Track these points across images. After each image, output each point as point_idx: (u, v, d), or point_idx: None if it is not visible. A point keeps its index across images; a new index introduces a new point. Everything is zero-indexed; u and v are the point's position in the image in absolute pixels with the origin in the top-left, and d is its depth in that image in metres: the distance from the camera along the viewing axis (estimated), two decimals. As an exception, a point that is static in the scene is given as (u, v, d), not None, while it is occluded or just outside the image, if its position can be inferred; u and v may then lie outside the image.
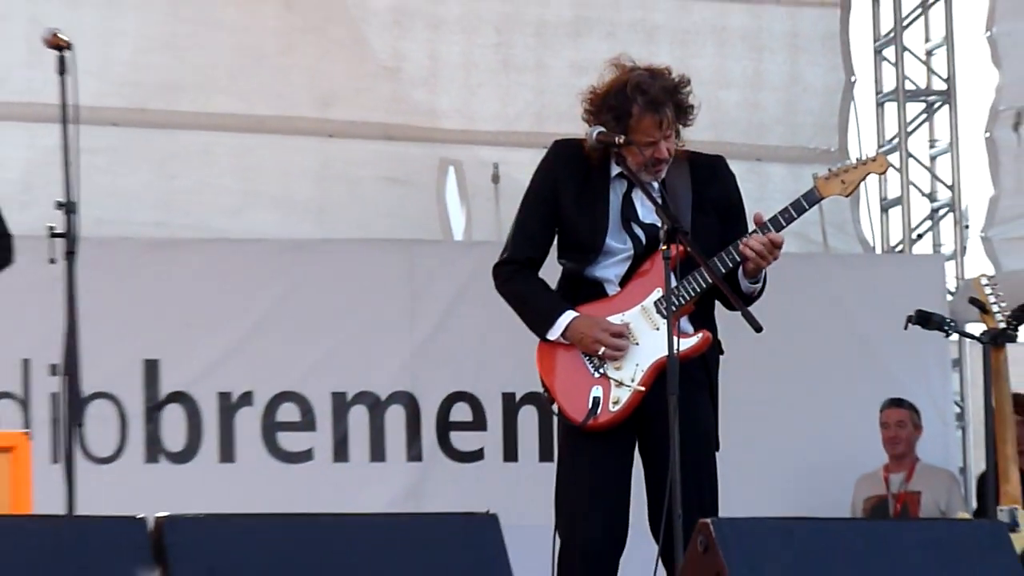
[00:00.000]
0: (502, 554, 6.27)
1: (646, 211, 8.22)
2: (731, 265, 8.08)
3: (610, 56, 8.15)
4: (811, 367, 13.68)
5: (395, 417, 14.20)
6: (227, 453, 13.96)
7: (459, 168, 15.31)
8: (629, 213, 8.28)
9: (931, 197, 16.35)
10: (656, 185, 8.14)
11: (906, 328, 12.10)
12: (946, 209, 16.27)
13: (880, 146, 15.87)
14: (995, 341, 10.82)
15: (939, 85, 16.45)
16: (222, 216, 14.79)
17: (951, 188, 16.25)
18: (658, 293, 8.09)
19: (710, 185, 8.41)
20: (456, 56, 15.74)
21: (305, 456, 14.10)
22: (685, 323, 8.02)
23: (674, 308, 7.80)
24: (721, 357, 8.26)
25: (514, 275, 8.44)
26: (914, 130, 16.34)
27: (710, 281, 7.90)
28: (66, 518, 6.99)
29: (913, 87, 16.52)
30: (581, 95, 8.13)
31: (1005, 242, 16.04)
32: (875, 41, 16.81)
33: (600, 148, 8.03)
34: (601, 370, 8.15)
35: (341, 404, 14.22)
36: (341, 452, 14.24)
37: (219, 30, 14.99)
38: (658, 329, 8.03)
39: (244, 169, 15.05)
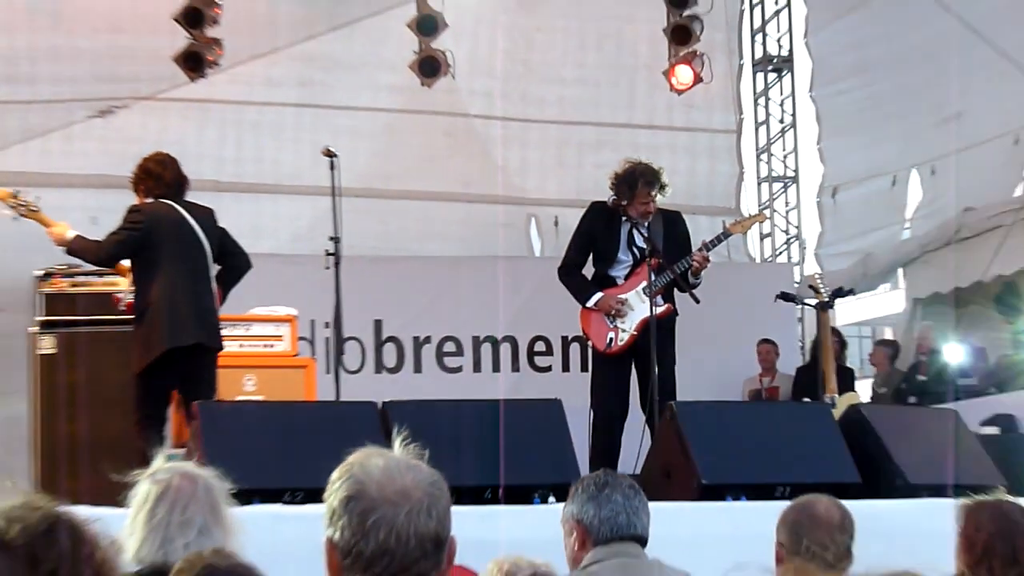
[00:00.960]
0: (563, 421, 10.50)
1: (639, 240, 12.43)
2: (685, 267, 12.20)
3: (619, 159, 12.93)
4: (723, 322, 17.13)
5: (506, 349, 18.66)
6: (418, 368, 18.69)
7: (538, 218, 20.68)
8: (630, 241, 12.36)
9: (786, 232, 21.78)
10: (645, 225, 12.32)
11: (775, 301, 16.68)
12: (794, 238, 21.94)
13: (760, 207, 21.34)
14: (822, 307, 15.24)
15: (791, 172, 22.04)
16: (412, 242, 19.92)
17: (797, 228, 21.96)
18: (643, 284, 12.33)
19: (673, 226, 12.59)
20: (535, 159, 20.87)
21: (457, 370, 18.91)
22: (659, 300, 12.22)
23: (652, 291, 12.33)
24: (677, 318, 12.58)
25: (569, 273, 12.70)
26: (777, 197, 21.90)
27: (672, 277, 12.24)
28: (335, 403, 11.92)
29: (777, 174, 22.11)
30: (608, 176, 12.65)
31: (826, 256, 21.35)
32: (756, 149, 22.23)
33: (619, 206, 12.37)
34: (613, 323, 12.43)
35: (477, 342, 18.90)
36: (477, 367, 18.89)
37: (408, 148, 20.35)
38: (643, 302, 12.34)
39: (428, 219, 20.46)
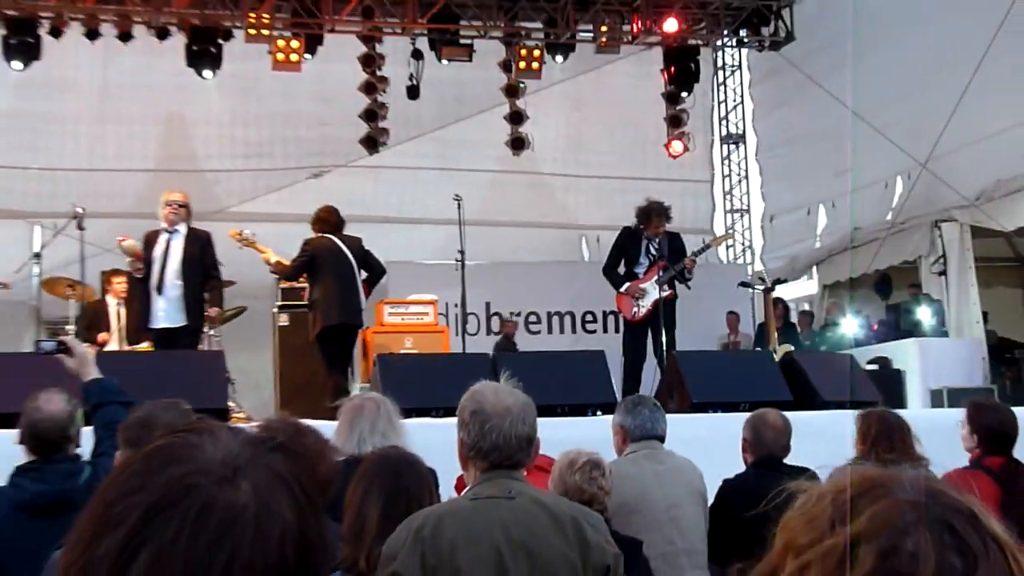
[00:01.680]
0: (605, 365, 10.56)
1: (654, 249, 12.35)
2: (681, 267, 12.21)
3: (639, 199, 12.88)
4: (704, 301, 15.00)
5: (568, 319, 18.15)
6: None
7: (586, 237, 20.16)
8: (646, 250, 12.38)
9: (743, 244, 21.31)
10: (656, 241, 12.34)
11: (737, 287, 16.75)
12: (747, 247, 21.30)
13: (726, 229, 20.47)
14: (766, 291, 15.19)
15: (745, 207, 21.44)
16: (508, 253, 18.69)
17: (749, 241, 21.37)
18: (656, 277, 12.21)
19: (674, 241, 12.56)
20: (584, 200, 20.25)
21: (537, 333, 17.96)
22: (665, 288, 12.18)
23: (661, 282, 12.15)
24: (676, 300, 12.45)
25: (608, 270, 12.64)
26: (735, 223, 21.15)
27: (673, 273, 12.22)
28: (462, 354, 12.52)
29: (736, 208, 21.48)
30: (635, 210, 12.60)
31: (768, 259, 20.68)
32: (723, 192, 21.66)
33: (640, 229, 12.42)
34: (636, 302, 12.32)
35: (549, 315, 18.19)
36: (550, 331, 18.10)
37: (505, 194, 19.35)
38: (655, 289, 12.18)
39: (518, 238, 19.42)
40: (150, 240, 10.84)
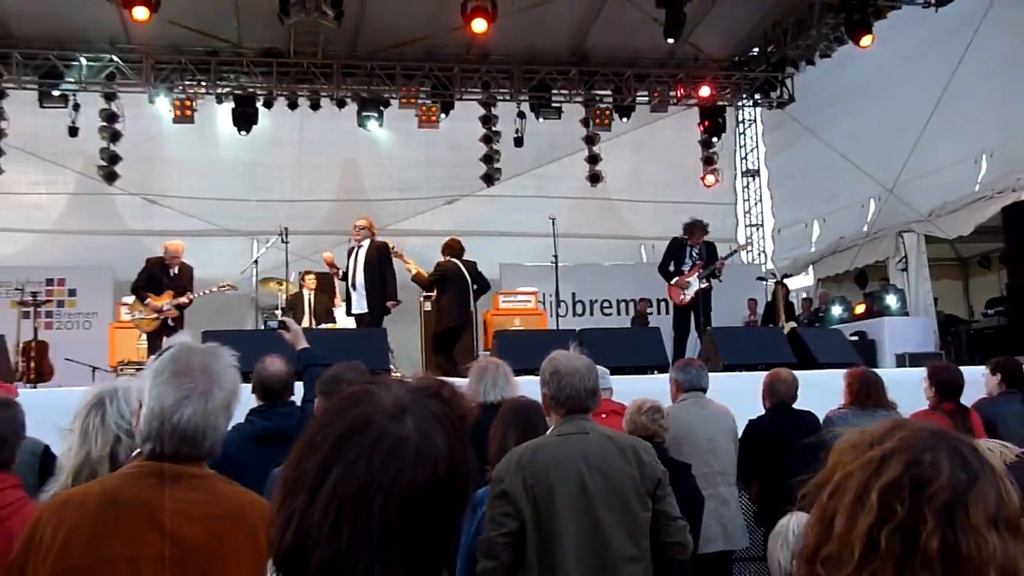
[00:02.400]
0: (660, 338, 10.49)
1: (695, 254, 12.20)
2: (714, 267, 12.09)
3: (684, 217, 12.56)
4: (730, 293, 14.03)
5: (631, 306, 17.62)
6: (592, 314, 17.61)
7: (645, 246, 19.40)
8: (689, 254, 12.17)
9: (759, 249, 20.87)
10: (697, 248, 12.23)
11: (756, 280, 17.03)
12: (761, 251, 20.79)
13: (746, 239, 20.14)
14: (776, 283, 15.68)
15: (759, 222, 21.02)
16: (587, 257, 18.02)
17: (763, 248, 20.93)
18: (697, 274, 12.00)
19: (710, 248, 12.38)
20: (643, 218, 19.49)
21: (609, 315, 17.54)
22: (703, 282, 12.01)
23: (701, 277, 11.98)
24: (712, 291, 12.13)
25: (662, 269, 12.41)
26: (753, 234, 20.73)
27: (709, 272, 12.07)
28: (555, 330, 12.16)
29: (753, 223, 21.09)
30: (681, 225, 12.42)
31: (777, 261, 19.95)
32: (744, 212, 21.27)
33: (684, 239, 12.27)
34: (682, 292, 12.09)
35: (617, 302, 17.71)
36: (618, 313, 17.66)
37: (585, 214, 18.69)
38: (697, 283, 11.99)
39: (594, 247, 18.66)
40: (349, 252, 11.58)
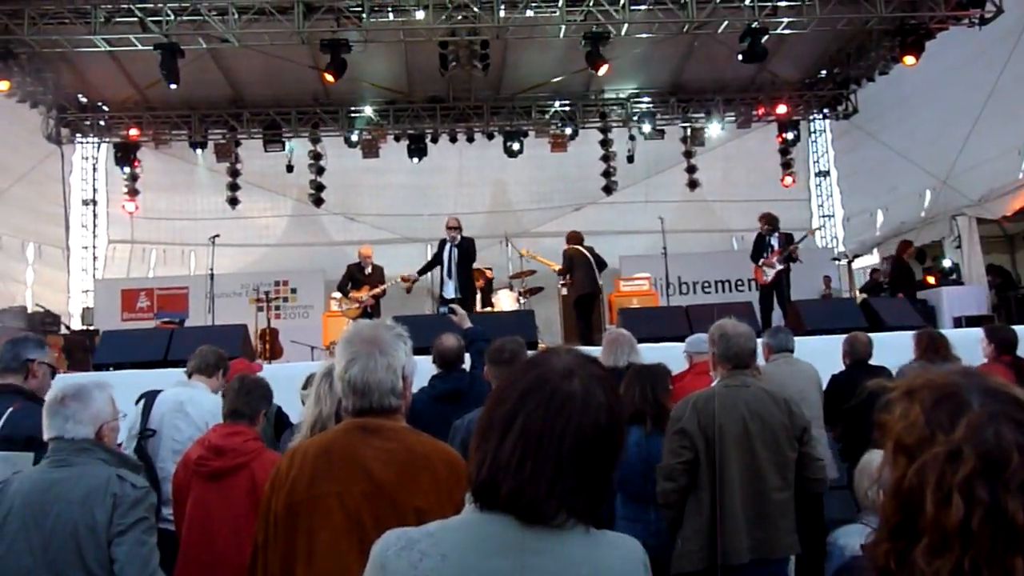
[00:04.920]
0: (753, 310, 9.75)
1: (775, 242, 11.27)
2: (788, 253, 11.18)
3: (759, 211, 11.88)
4: (810, 271, 14.14)
5: (728, 284, 16.84)
6: (695, 292, 16.71)
7: (738, 237, 18.10)
8: (772, 243, 11.28)
9: (832, 235, 19.53)
10: (775, 236, 11.35)
11: (830, 260, 16.52)
12: (834, 238, 19.40)
13: (817, 227, 18.66)
14: (847, 263, 15.53)
15: (831, 213, 19.61)
16: (692, 247, 17.23)
17: (836, 235, 19.42)
18: (778, 257, 11.12)
19: (787, 237, 11.45)
20: (734, 215, 18.43)
21: (708, 293, 16.62)
22: (782, 264, 11.14)
23: (782, 260, 11.11)
24: (790, 273, 11.22)
25: (754, 258, 11.44)
26: (824, 223, 19.37)
27: (787, 254, 11.17)
28: (666, 308, 11.79)
29: (825, 214, 19.67)
30: (760, 216, 11.65)
31: (848, 244, 18.60)
32: (817, 205, 19.91)
33: (767, 230, 11.36)
34: (766, 274, 11.27)
35: (715, 282, 16.78)
36: (717, 292, 16.60)
37: (689, 215, 18.30)
38: (778, 264, 11.11)
39: (696, 239, 17.92)
40: (440, 246, 10.82)
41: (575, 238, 11.70)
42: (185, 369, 4.98)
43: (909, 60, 14.06)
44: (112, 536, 2.73)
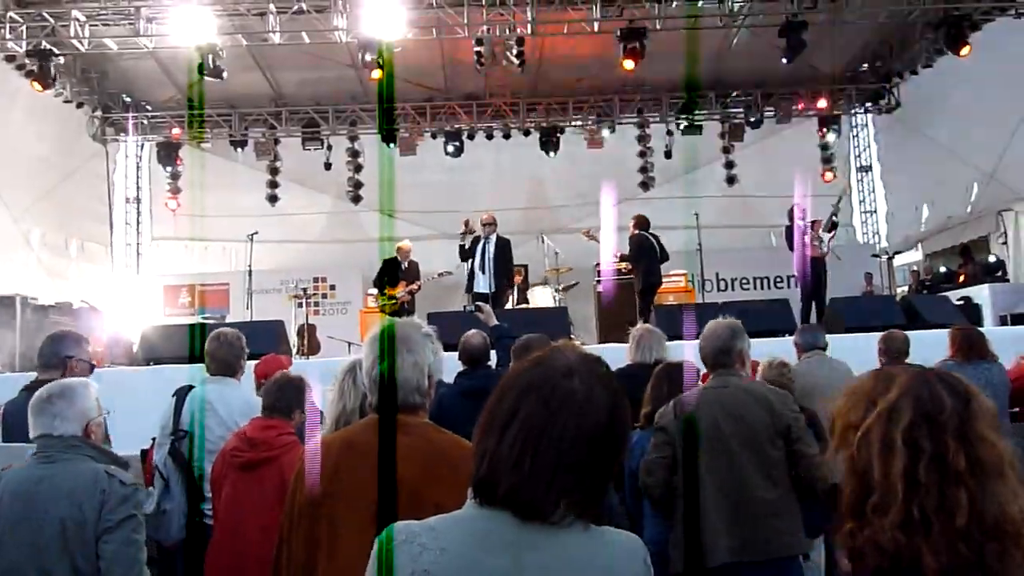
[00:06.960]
0: (790, 308, 10.00)
1: (804, 223, 11.26)
2: (831, 215, 11.56)
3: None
4: (850, 268, 14.18)
5: (769, 280, 16.84)
6: (733, 288, 16.71)
7: (777, 233, 15.75)
8: (801, 225, 11.30)
9: (873, 231, 19.21)
10: (803, 220, 11.30)
11: (871, 256, 16.16)
12: (876, 233, 19.02)
13: (859, 224, 19.37)
14: (888, 259, 15.32)
15: (873, 209, 19.19)
16: (734, 242, 17.10)
17: (877, 229, 19.06)
18: (820, 227, 11.33)
19: (832, 225, 11.81)
20: (773, 210, 16.16)
21: (747, 289, 16.73)
22: (830, 231, 11.48)
23: (827, 227, 11.42)
24: (826, 266, 11.29)
25: (788, 240, 11.37)
26: (867, 218, 19.25)
27: (829, 222, 11.47)
28: (702, 304, 12.03)
29: (867, 210, 19.14)
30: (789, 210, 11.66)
31: (891, 240, 18.32)
32: (859, 200, 19.33)
33: (801, 216, 11.35)
34: (818, 246, 11.13)
35: (756, 279, 16.82)
36: (758, 289, 16.66)
37: (730, 212, 17.39)
38: (826, 234, 11.36)
39: (736, 234, 17.36)
40: (475, 241, 11.11)
41: (642, 222, 11.61)
42: (206, 369, 5.02)
43: (964, 51, 13.43)
44: (100, 532, 2.76)
